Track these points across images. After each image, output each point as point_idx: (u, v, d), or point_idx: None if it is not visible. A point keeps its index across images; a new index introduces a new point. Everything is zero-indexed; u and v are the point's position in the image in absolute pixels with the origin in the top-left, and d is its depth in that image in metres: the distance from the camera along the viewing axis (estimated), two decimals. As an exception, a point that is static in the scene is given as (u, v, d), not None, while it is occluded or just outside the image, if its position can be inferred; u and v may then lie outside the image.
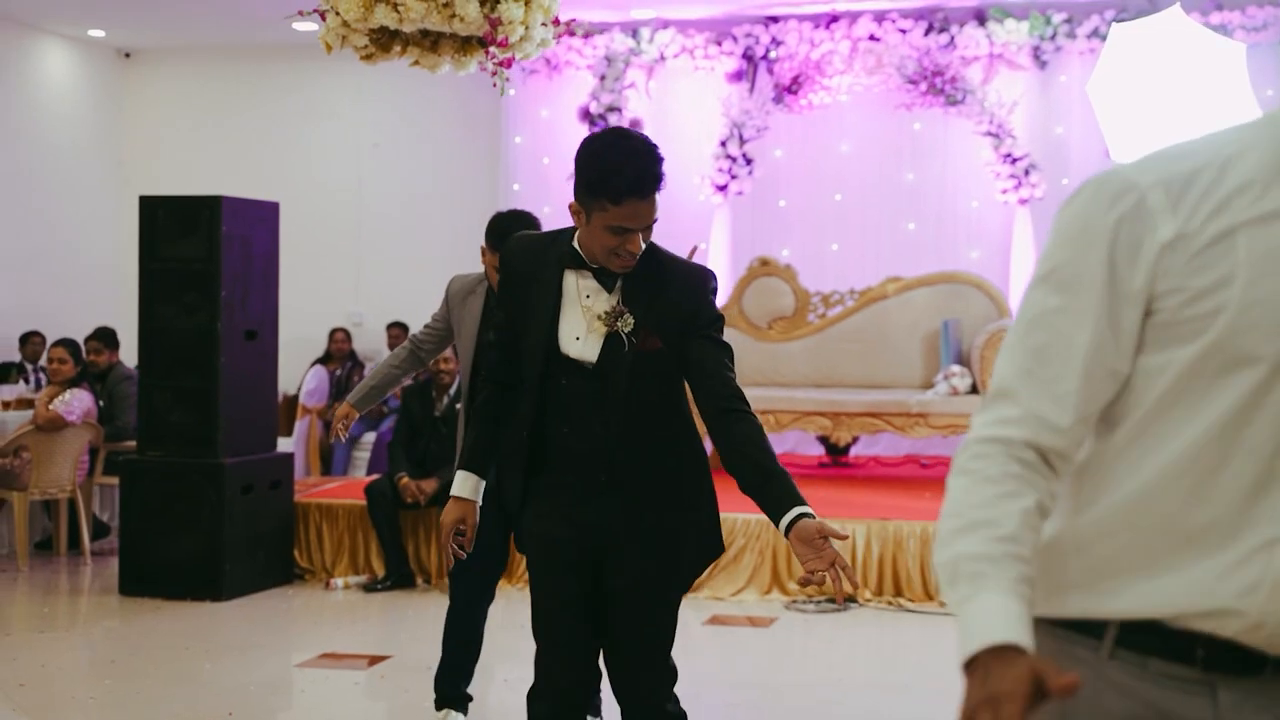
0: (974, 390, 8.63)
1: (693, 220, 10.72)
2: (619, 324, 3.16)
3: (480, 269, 4.92)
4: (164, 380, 7.45)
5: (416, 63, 5.49)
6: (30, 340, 10.84)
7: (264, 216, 7.71)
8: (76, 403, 8.22)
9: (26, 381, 10.38)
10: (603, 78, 10.89)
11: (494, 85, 5.47)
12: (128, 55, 12.74)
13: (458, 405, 5.05)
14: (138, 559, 7.39)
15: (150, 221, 7.47)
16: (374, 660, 6.11)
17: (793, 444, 10.36)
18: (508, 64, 5.39)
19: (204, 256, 7.35)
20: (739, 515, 7.20)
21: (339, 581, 7.68)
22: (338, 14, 5.22)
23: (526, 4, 5.18)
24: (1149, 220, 1.57)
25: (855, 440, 9.52)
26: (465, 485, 3.42)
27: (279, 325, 7.86)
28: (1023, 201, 10.17)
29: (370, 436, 10.42)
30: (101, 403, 8.65)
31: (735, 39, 10.78)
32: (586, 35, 5.63)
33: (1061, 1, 10.30)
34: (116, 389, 8.80)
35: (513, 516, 3.41)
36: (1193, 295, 1.56)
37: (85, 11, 11.32)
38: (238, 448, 7.45)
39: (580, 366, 3.19)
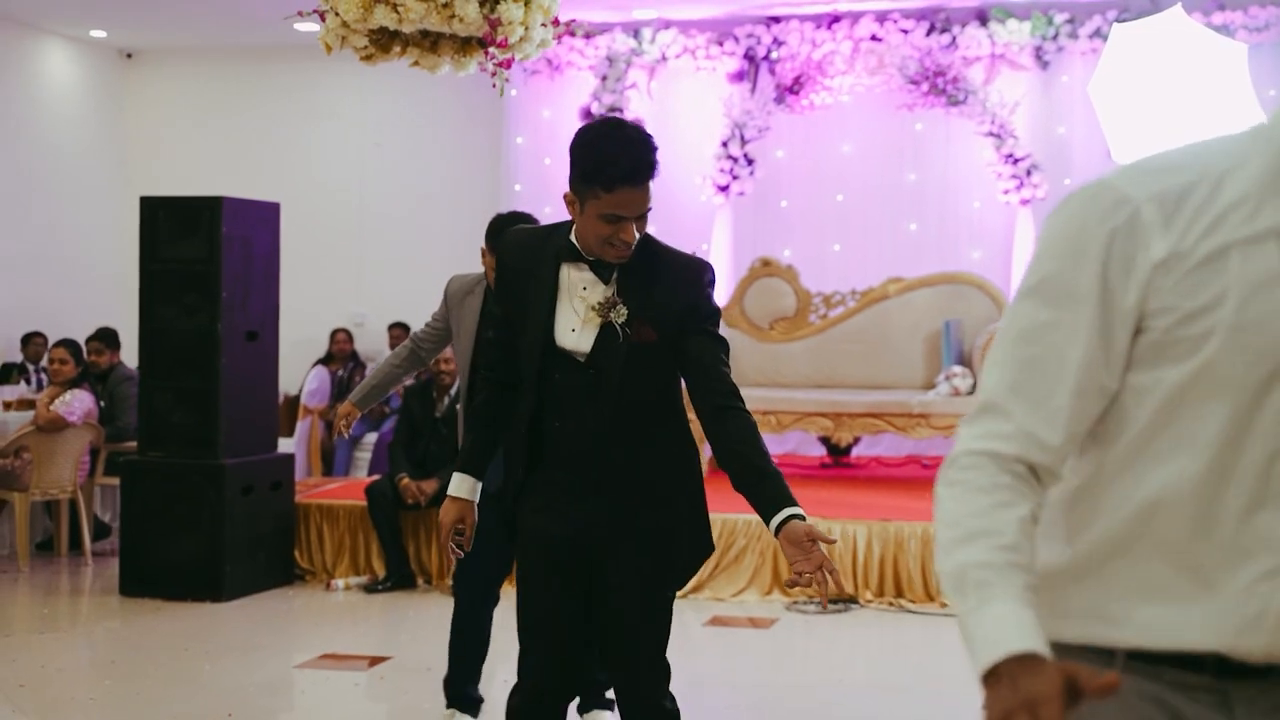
0: (975, 391, 8.62)
1: (694, 220, 10.72)
2: (612, 314, 3.16)
3: (480, 269, 4.93)
4: (165, 381, 7.45)
5: (416, 63, 5.49)
6: (32, 341, 10.85)
7: (265, 217, 7.71)
8: (77, 403, 8.22)
9: (28, 382, 10.38)
10: (604, 78, 10.89)
11: (494, 86, 5.46)
12: (129, 56, 12.75)
13: (458, 406, 5.05)
14: (138, 560, 7.39)
15: (151, 222, 7.47)
16: (374, 661, 6.10)
17: (794, 445, 10.36)
18: (507, 64, 5.38)
19: (205, 257, 7.35)
20: (740, 516, 7.20)
21: (339, 582, 7.68)
22: (337, 14, 5.22)
23: (526, 4, 5.18)
24: (1142, 236, 1.55)
25: (857, 441, 9.51)
26: (462, 486, 3.43)
27: (280, 326, 7.86)
28: (1024, 202, 10.16)
29: (371, 437, 10.42)
30: (102, 403, 8.65)
31: (737, 39, 10.78)
32: (587, 36, 5.62)
33: (1063, 2, 10.29)
34: (117, 390, 8.80)
35: (506, 509, 3.41)
36: (1184, 316, 1.54)
37: (87, 12, 11.32)
38: (238, 448, 7.45)
39: (575, 359, 3.20)
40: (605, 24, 10.84)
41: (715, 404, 3.18)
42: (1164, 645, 1.60)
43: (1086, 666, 1.43)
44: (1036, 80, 10.41)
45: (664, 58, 10.90)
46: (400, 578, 7.61)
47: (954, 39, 10.33)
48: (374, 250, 12.13)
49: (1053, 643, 1.64)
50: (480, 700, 5.08)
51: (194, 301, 7.37)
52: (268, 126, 12.35)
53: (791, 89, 10.60)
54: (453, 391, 7.62)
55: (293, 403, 11.08)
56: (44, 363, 10.01)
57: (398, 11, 5.11)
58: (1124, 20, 9.27)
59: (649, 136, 3.13)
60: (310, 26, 5.88)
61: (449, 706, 5.05)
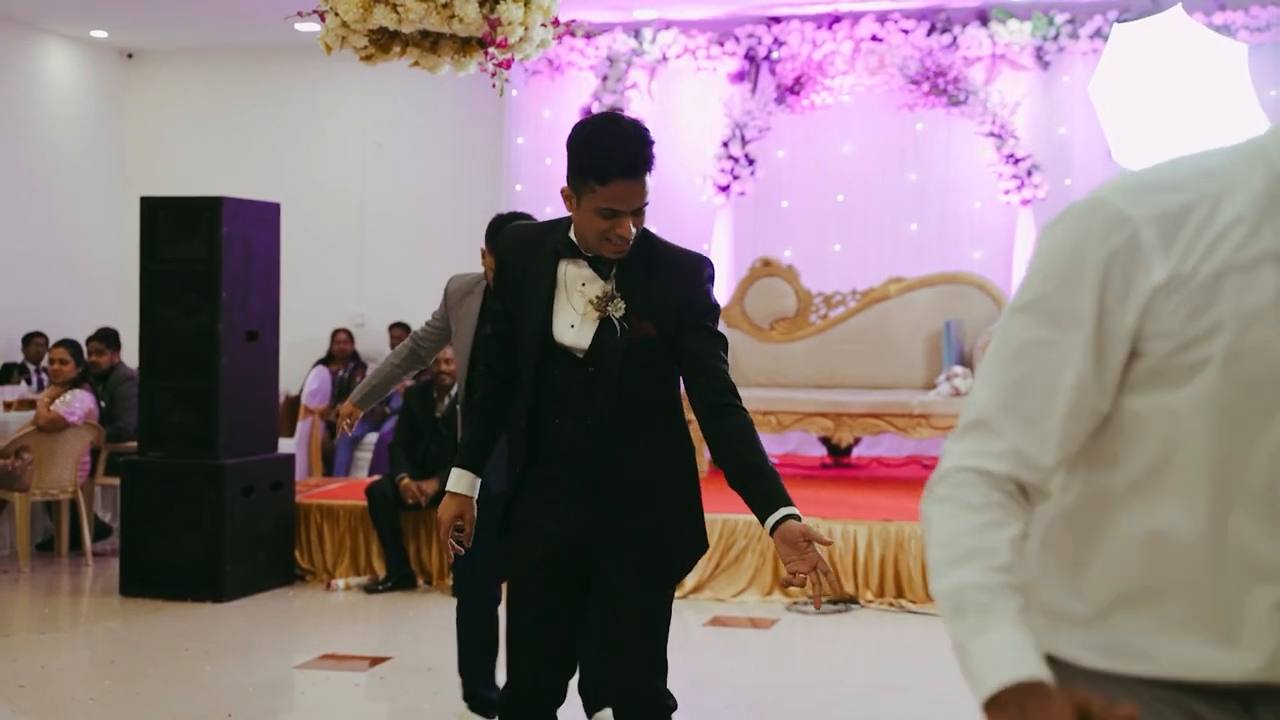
0: (967, 401, 8.61)
1: (695, 220, 10.72)
2: (610, 308, 3.16)
3: (480, 270, 4.93)
4: (165, 381, 7.45)
5: (416, 64, 5.48)
6: (33, 341, 10.85)
7: (265, 217, 7.71)
8: (78, 403, 8.23)
9: (28, 382, 10.38)
10: (605, 78, 10.89)
11: (493, 86, 5.46)
12: (130, 56, 12.75)
13: (458, 406, 5.06)
14: (139, 560, 7.39)
15: (151, 222, 7.47)
16: (375, 661, 6.10)
17: (795, 445, 10.36)
18: (507, 65, 5.38)
19: (205, 257, 7.35)
20: (740, 517, 7.19)
21: (340, 582, 7.68)
22: (337, 15, 5.22)
23: (526, 4, 5.17)
24: (1142, 259, 1.52)
25: (857, 441, 9.51)
26: (461, 482, 3.43)
27: (281, 326, 7.86)
28: (1025, 202, 10.16)
29: (372, 437, 10.42)
30: (103, 403, 8.65)
31: (737, 39, 10.78)
32: (588, 36, 5.60)
33: (1064, 2, 10.29)
34: (118, 390, 8.80)
35: (500, 505, 3.40)
36: (1182, 342, 1.52)
37: (87, 12, 11.33)
38: (238, 449, 7.45)
39: (574, 355, 3.19)
40: (606, 24, 10.84)
41: (712, 401, 3.19)
42: (1190, 677, 1.59)
43: (1099, 696, 1.41)
44: (1037, 80, 10.40)
45: (665, 58, 10.90)
46: (401, 578, 7.61)
47: (955, 39, 10.33)
48: (375, 250, 12.13)
49: (1058, 659, 1.64)
50: (495, 701, 5.07)
51: (194, 301, 7.37)
52: (268, 127, 12.35)
53: (792, 89, 10.60)
54: (453, 392, 7.62)
55: (293, 403, 11.08)
56: (44, 363, 10.00)
57: (397, 12, 5.11)
58: (1125, 20, 9.26)
59: (645, 130, 3.12)
60: (310, 26, 5.89)
61: (470, 710, 5.06)
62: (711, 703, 5.62)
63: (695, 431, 3.36)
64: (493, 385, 3.42)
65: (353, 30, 5.26)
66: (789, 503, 3.05)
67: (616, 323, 3.16)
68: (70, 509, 8.48)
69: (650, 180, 3.10)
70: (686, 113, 11.02)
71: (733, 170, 10.61)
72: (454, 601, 5.08)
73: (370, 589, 7.59)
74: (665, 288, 3.19)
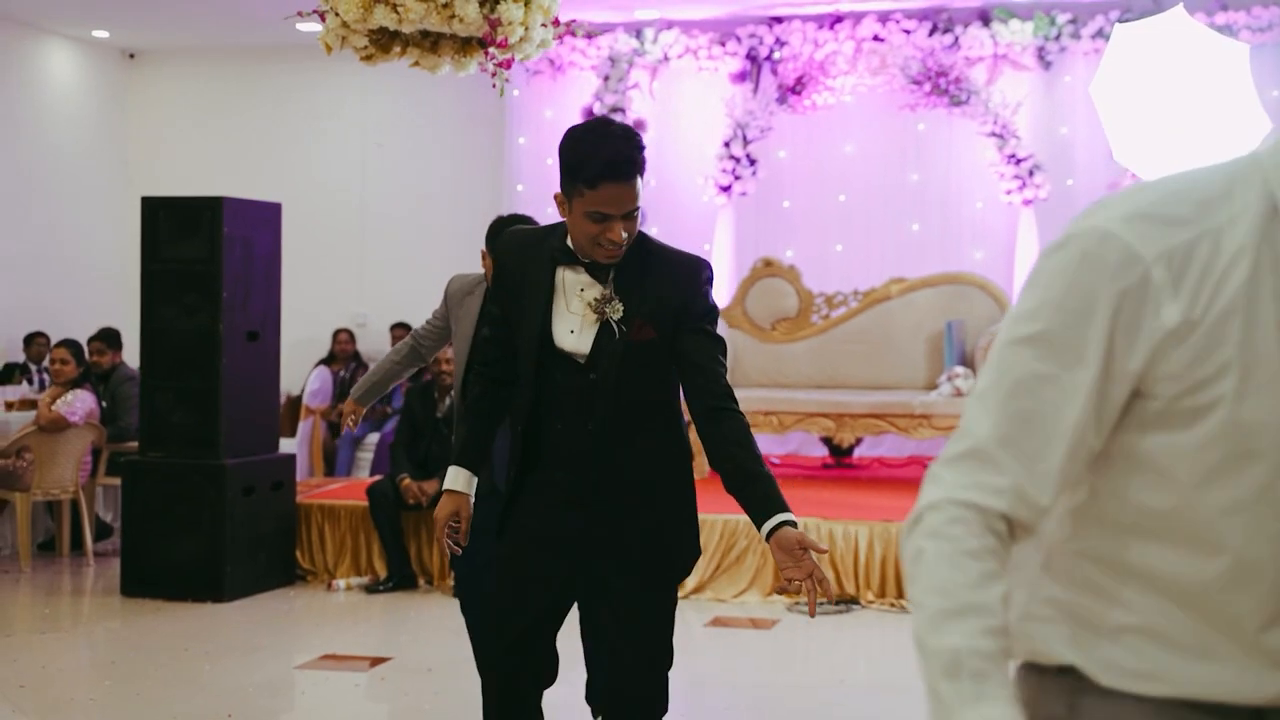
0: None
1: (696, 220, 10.73)
2: (608, 310, 3.16)
3: (480, 270, 4.92)
4: (166, 381, 7.45)
5: (416, 63, 5.48)
6: (35, 341, 10.85)
7: (266, 217, 7.71)
8: (79, 403, 8.22)
9: (30, 382, 10.38)
10: (606, 78, 10.88)
11: (493, 86, 5.46)
12: (132, 56, 12.75)
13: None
14: (139, 560, 7.39)
15: (152, 222, 7.47)
16: (375, 662, 6.10)
17: (796, 445, 10.35)
18: (507, 65, 5.38)
19: (205, 257, 7.35)
20: (741, 517, 7.11)
21: (341, 583, 7.68)
22: (337, 15, 5.21)
23: (526, 4, 5.17)
24: (1153, 300, 1.48)
25: (859, 441, 9.50)
26: (458, 480, 3.43)
27: (282, 326, 7.86)
28: (1027, 202, 10.15)
29: (374, 437, 10.42)
30: (104, 403, 8.65)
31: (739, 39, 10.77)
32: (589, 36, 5.60)
33: (1066, 2, 10.28)
34: (119, 390, 8.80)
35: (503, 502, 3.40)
36: (1190, 385, 1.49)
37: (89, 12, 11.33)
38: (239, 449, 7.44)
39: (574, 360, 3.20)
40: (607, 24, 10.84)
41: (709, 405, 3.19)
42: (1202, 698, 1.57)
43: None
44: (1039, 80, 10.40)
45: (666, 58, 10.90)
46: (401, 578, 7.61)
47: (956, 39, 10.33)
48: (376, 250, 12.13)
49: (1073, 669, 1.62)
50: None
51: (195, 302, 7.37)
52: (269, 127, 12.35)
53: (794, 89, 10.59)
54: (454, 392, 7.61)
55: (295, 403, 11.08)
56: (46, 363, 10.00)
57: (398, 12, 5.11)
58: (1126, 20, 9.25)
59: (635, 134, 3.13)
60: (313, 27, 5.88)
61: None
62: (712, 703, 5.61)
63: (693, 435, 3.36)
64: (488, 386, 3.43)
65: (353, 30, 5.26)
66: (785, 509, 3.07)
67: (615, 325, 3.16)
68: (71, 509, 8.48)
69: (641, 184, 3.10)
70: (688, 113, 11.01)
71: (734, 170, 10.61)
72: (455, 602, 5.08)
73: (371, 589, 7.59)
74: (663, 289, 3.19)
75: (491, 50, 5.28)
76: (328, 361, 11.11)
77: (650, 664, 3.31)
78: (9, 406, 8.86)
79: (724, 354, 3.25)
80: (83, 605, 7.57)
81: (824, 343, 9.61)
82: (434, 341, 5.13)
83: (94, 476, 8.64)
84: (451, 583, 6.62)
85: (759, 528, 3.08)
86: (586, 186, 3.06)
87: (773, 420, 8.68)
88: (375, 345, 11.59)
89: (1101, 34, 10.08)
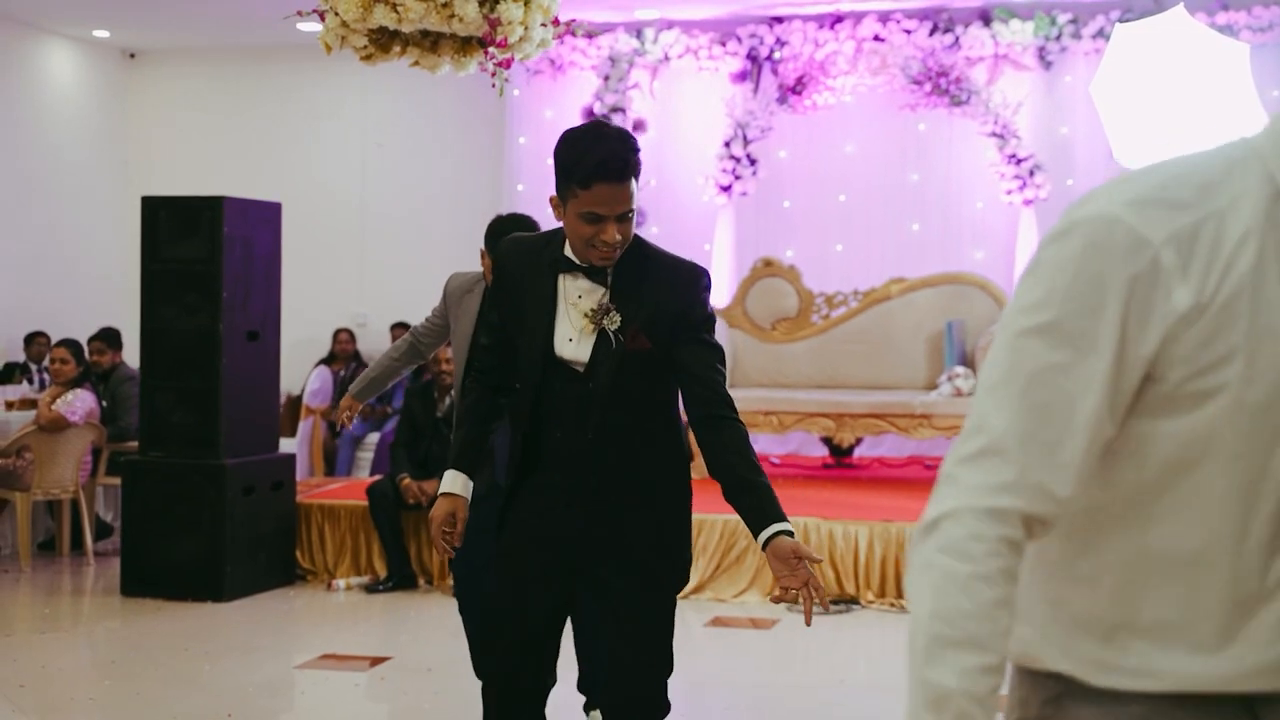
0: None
1: (696, 221, 10.73)
2: (605, 321, 3.17)
3: (479, 269, 4.93)
4: (166, 381, 7.45)
5: (416, 63, 5.48)
6: (35, 341, 10.85)
7: (266, 217, 7.71)
8: (79, 403, 8.23)
9: (30, 382, 10.38)
10: (606, 78, 10.88)
11: (493, 86, 5.46)
12: (132, 56, 12.75)
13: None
14: (139, 559, 7.39)
15: (152, 222, 7.47)
16: (375, 662, 6.10)
17: (796, 445, 10.35)
18: (507, 64, 5.38)
19: (205, 257, 7.35)
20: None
21: (340, 582, 7.68)
22: (337, 15, 5.21)
23: (526, 4, 5.17)
24: (1163, 284, 1.47)
25: (859, 441, 9.50)
26: (454, 482, 3.43)
27: (282, 326, 7.86)
28: (1027, 202, 10.15)
29: (374, 437, 10.42)
30: (104, 403, 8.65)
31: (739, 39, 10.77)
32: (589, 35, 5.60)
33: (1066, 2, 10.28)
34: (119, 389, 8.80)
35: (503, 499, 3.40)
36: (1198, 369, 1.48)
37: (90, 12, 11.33)
38: (239, 449, 7.45)
39: (574, 369, 3.21)
40: (608, 24, 10.84)
41: (707, 413, 3.20)
42: (1189, 690, 1.57)
43: None
44: (1039, 80, 10.40)
45: (666, 58, 10.90)
46: (401, 578, 7.61)
47: (957, 39, 10.32)
48: (376, 250, 12.13)
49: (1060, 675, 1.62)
50: None
51: (195, 301, 7.37)
52: (269, 126, 12.35)
53: (794, 89, 10.59)
54: (454, 392, 7.61)
55: (295, 403, 11.08)
56: (46, 362, 10.00)
57: (397, 11, 5.11)
58: (1127, 20, 9.25)
59: (630, 136, 3.15)
60: (313, 26, 5.88)
61: None
62: (712, 703, 5.61)
63: (692, 437, 3.36)
64: (485, 393, 3.44)
65: (353, 30, 5.26)
66: (782, 518, 3.08)
67: (612, 336, 3.17)
68: (71, 508, 8.48)
69: (635, 186, 3.11)
70: (688, 113, 11.01)
71: (734, 170, 10.61)
72: (455, 602, 5.07)
73: (371, 589, 7.59)
74: (661, 295, 3.19)
75: (491, 50, 5.28)
76: (328, 361, 11.11)
77: (650, 664, 3.31)
78: (9, 406, 8.86)
79: (722, 362, 3.25)
80: (83, 605, 7.58)
81: (824, 343, 9.61)
82: (433, 339, 5.14)
83: (94, 476, 8.64)
84: (451, 583, 6.62)
85: (756, 537, 3.11)
86: (580, 187, 3.07)
87: (773, 420, 8.67)
88: (375, 345, 11.58)
89: (1102, 34, 10.08)
